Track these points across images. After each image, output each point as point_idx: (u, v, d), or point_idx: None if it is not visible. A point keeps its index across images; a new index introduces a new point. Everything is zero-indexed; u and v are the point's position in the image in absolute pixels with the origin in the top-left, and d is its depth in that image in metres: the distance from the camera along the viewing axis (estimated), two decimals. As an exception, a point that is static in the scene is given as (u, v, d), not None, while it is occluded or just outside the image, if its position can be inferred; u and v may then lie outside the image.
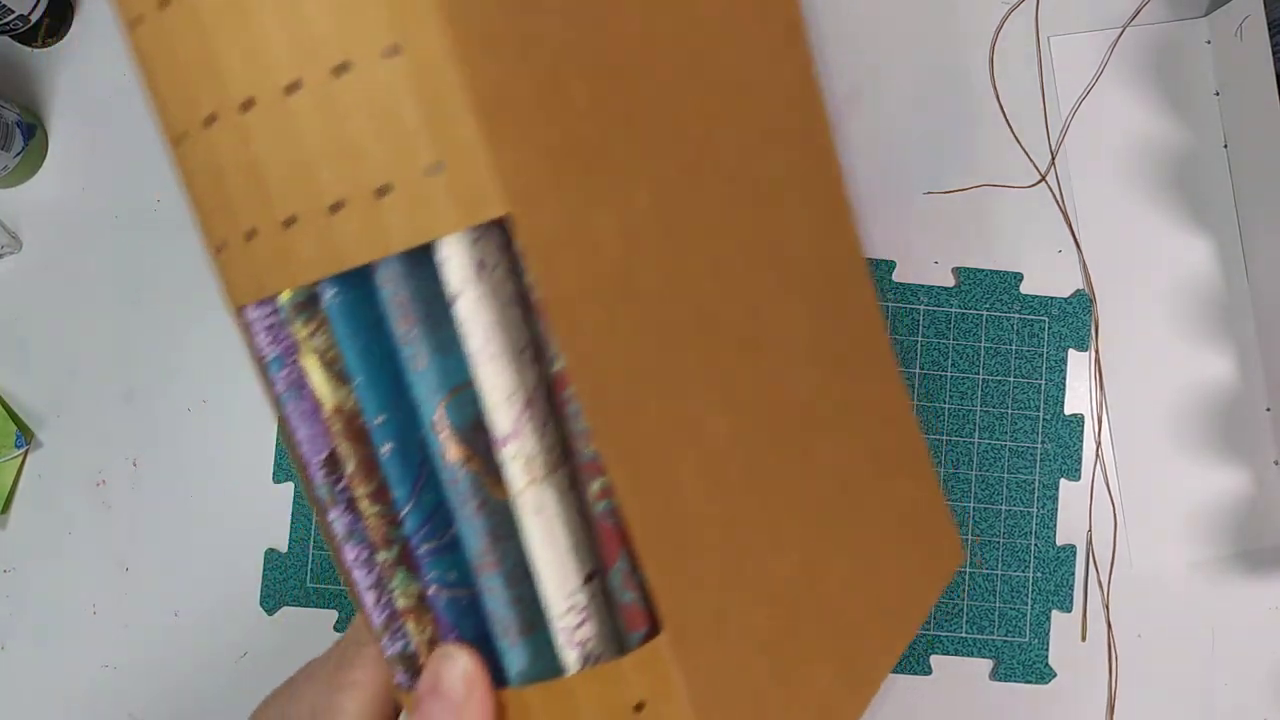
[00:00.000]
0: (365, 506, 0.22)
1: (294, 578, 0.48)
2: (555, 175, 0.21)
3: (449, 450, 0.21)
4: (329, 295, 0.21)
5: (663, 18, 0.27)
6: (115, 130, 0.49)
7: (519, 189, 0.20)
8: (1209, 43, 0.51)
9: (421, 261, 0.20)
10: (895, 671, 0.48)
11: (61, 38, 0.50)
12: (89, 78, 0.50)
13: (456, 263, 0.20)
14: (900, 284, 0.49)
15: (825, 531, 0.30)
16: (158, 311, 0.48)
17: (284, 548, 0.48)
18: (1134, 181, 0.51)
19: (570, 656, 0.22)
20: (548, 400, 0.21)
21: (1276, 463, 0.49)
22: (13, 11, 0.46)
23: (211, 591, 0.48)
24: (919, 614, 0.35)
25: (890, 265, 0.49)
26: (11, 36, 0.48)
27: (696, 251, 0.27)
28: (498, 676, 0.22)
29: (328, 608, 0.48)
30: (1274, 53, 0.46)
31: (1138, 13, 0.51)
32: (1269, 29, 0.46)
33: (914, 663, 0.48)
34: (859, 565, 0.32)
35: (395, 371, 0.21)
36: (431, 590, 0.22)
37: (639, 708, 0.22)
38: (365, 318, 0.21)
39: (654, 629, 0.22)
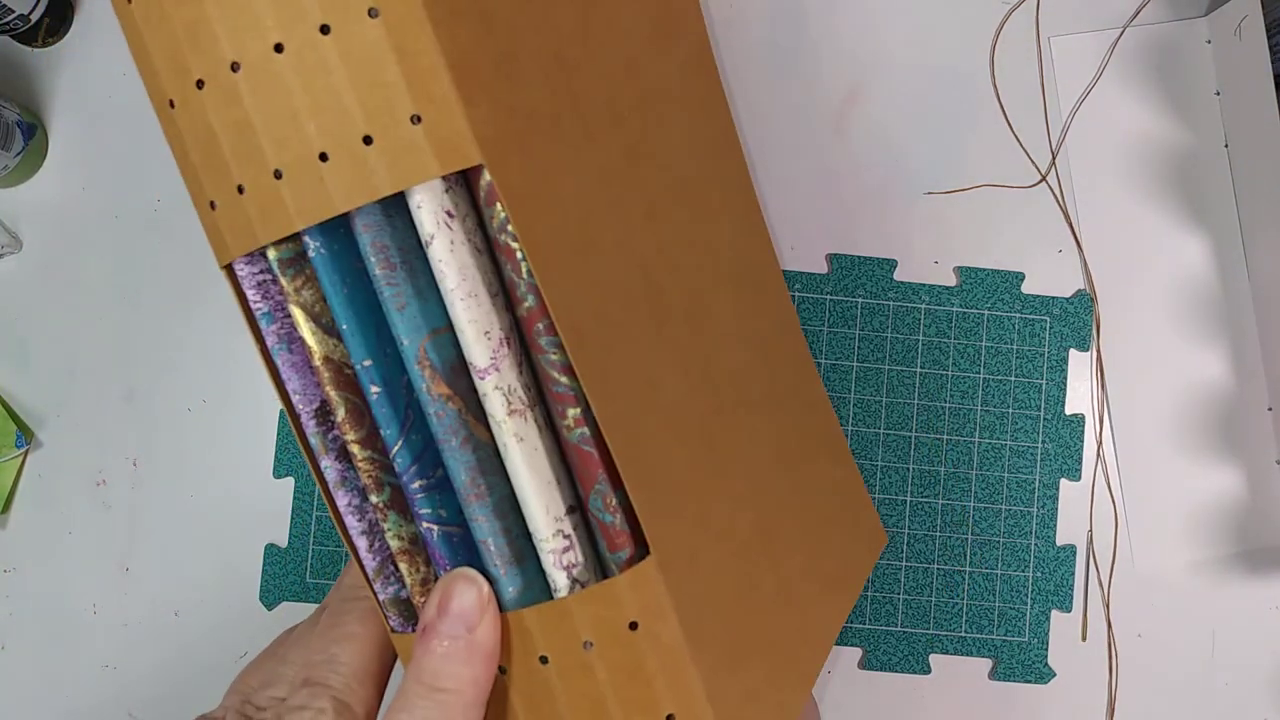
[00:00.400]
0: (356, 451, 0.23)
1: (294, 573, 0.48)
2: (519, 134, 0.23)
3: (433, 386, 0.22)
4: (314, 247, 0.22)
5: (599, 17, 0.29)
6: (115, 130, 0.49)
7: (490, 141, 0.22)
8: (1209, 43, 0.51)
9: (398, 210, 0.22)
10: (894, 670, 0.48)
11: (61, 38, 0.50)
12: (89, 78, 0.50)
13: (429, 209, 0.22)
14: (901, 283, 0.49)
15: (771, 497, 0.31)
16: (158, 311, 0.48)
17: (284, 543, 0.48)
18: (1135, 181, 0.51)
19: (560, 580, 0.23)
20: (521, 343, 0.23)
21: (1277, 462, 0.49)
22: (13, 11, 0.46)
23: (211, 591, 0.48)
24: (855, 588, 0.36)
25: (892, 264, 0.49)
26: (11, 36, 0.48)
27: (642, 229, 0.28)
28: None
29: (328, 607, 0.48)
30: (1272, 53, 0.46)
31: (1138, 13, 0.51)
32: (1267, 29, 0.46)
33: (914, 662, 0.48)
34: (803, 533, 0.33)
35: (379, 317, 0.23)
36: (424, 527, 0.23)
37: (633, 626, 0.23)
38: (348, 267, 0.22)
39: (636, 553, 0.23)
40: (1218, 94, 0.51)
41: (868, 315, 0.49)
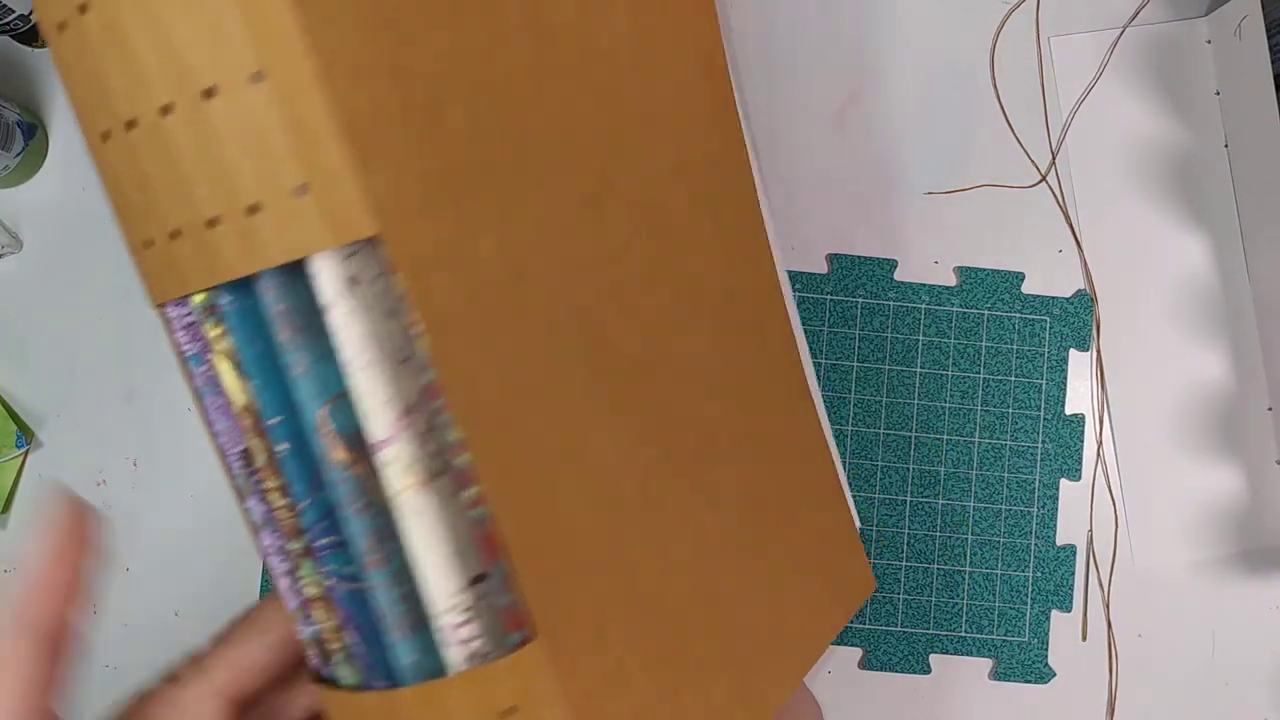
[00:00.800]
0: (275, 499, 0.23)
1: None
2: (429, 197, 0.23)
3: (333, 451, 0.22)
4: (225, 301, 0.22)
5: (560, 51, 0.28)
6: (115, 130, 0.49)
7: (388, 209, 0.21)
8: (1209, 42, 0.51)
9: (298, 274, 0.21)
10: (894, 670, 0.48)
11: (61, 37, 0.49)
12: (89, 77, 0.50)
13: (327, 277, 0.21)
14: (901, 283, 0.49)
15: (725, 555, 0.31)
16: (158, 311, 0.48)
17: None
18: (1135, 181, 0.51)
19: (454, 655, 0.22)
20: (432, 409, 0.22)
21: (1278, 462, 0.49)
22: (13, 11, 0.46)
23: (211, 591, 0.48)
24: (822, 640, 0.35)
25: (892, 264, 0.49)
26: (11, 36, 0.48)
27: (591, 276, 0.27)
28: (389, 670, 0.23)
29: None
30: (1272, 52, 0.46)
31: (1138, 13, 0.51)
32: (1266, 29, 0.46)
33: (914, 662, 0.48)
34: (760, 590, 0.32)
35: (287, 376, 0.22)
36: (330, 582, 0.23)
37: (509, 712, 0.22)
38: (258, 324, 0.22)
39: (531, 635, 0.22)
40: (1218, 94, 0.51)
41: (868, 315, 0.49)
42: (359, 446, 0.22)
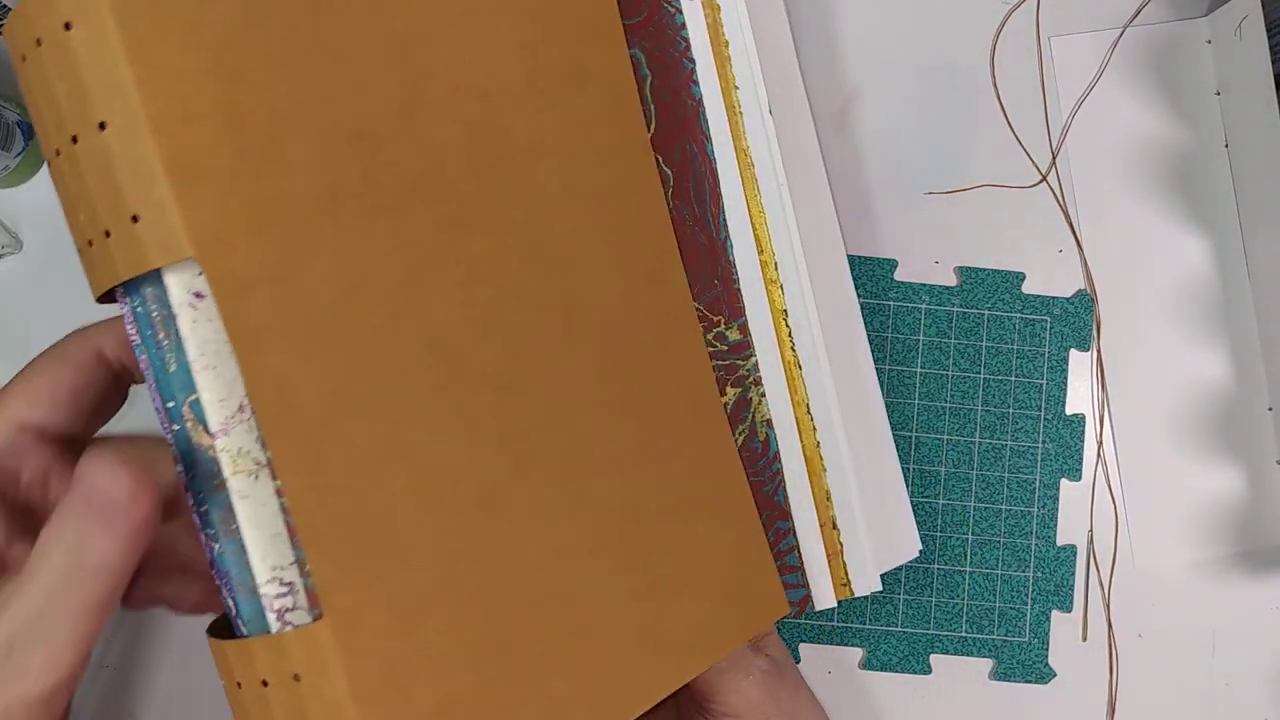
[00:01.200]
0: (177, 470, 0.28)
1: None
2: (258, 224, 0.27)
3: (196, 436, 0.27)
4: (130, 303, 0.27)
5: (430, 91, 0.31)
6: (115, 130, 0.49)
7: (207, 236, 0.26)
8: (1210, 42, 0.51)
9: (162, 286, 0.26)
10: (894, 670, 0.48)
11: (61, 37, 0.49)
12: (89, 77, 0.50)
13: (174, 290, 0.26)
14: (901, 283, 0.49)
15: (590, 562, 0.33)
16: (158, 311, 0.48)
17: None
18: (1135, 181, 0.51)
19: (273, 621, 0.27)
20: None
21: (1278, 462, 0.49)
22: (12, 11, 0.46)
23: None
24: (705, 657, 0.36)
25: (892, 264, 0.49)
26: (11, 36, 0.48)
27: (446, 296, 0.30)
28: (234, 623, 0.28)
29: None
30: (1272, 53, 0.46)
31: (1138, 13, 0.51)
32: (1267, 29, 0.46)
33: (914, 662, 0.48)
34: (631, 599, 0.34)
35: None
36: (204, 543, 0.28)
37: (297, 678, 0.27)
38: (148, 324, 0.27)
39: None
40: (1218, 94, 0.51)
41: (868, 315, 0.49)
42: (210, 434, 0.27)
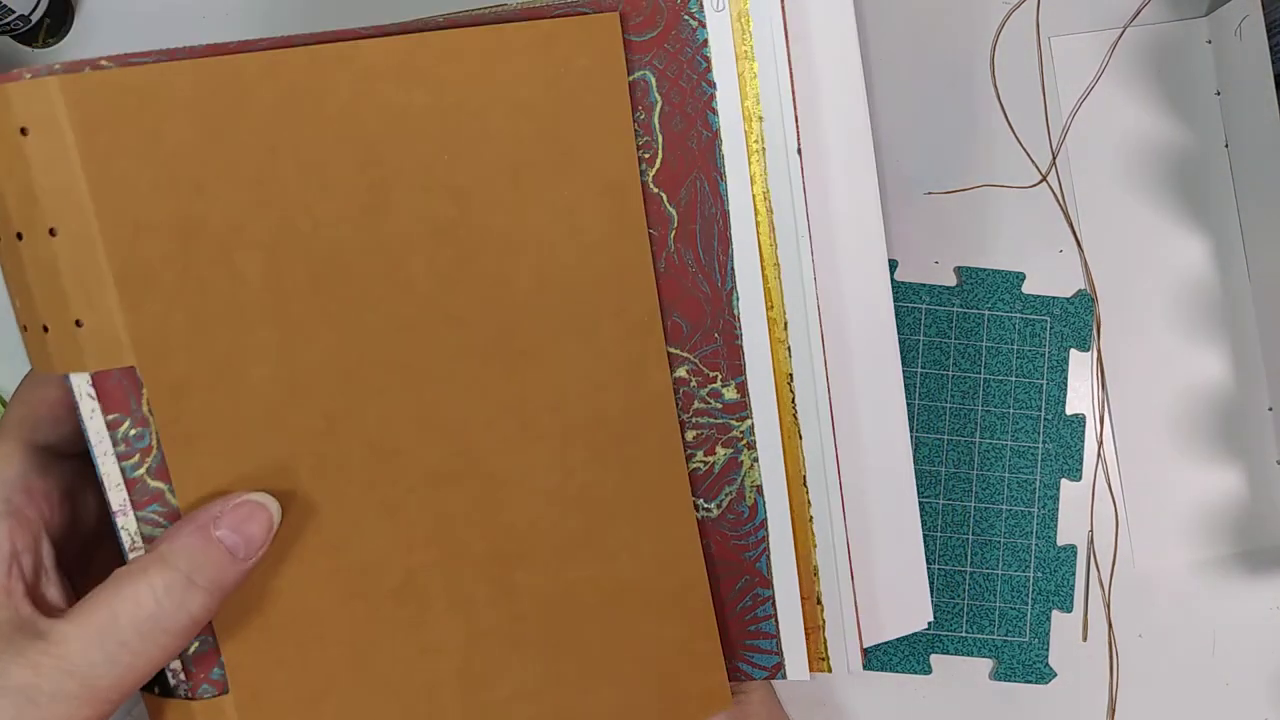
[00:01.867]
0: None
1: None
2: (201, 332, 0.28)
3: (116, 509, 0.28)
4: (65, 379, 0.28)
5: (403, 189, 0.31)
6: (115, 130, 0.49)
7: (152, 345, 0.27)
8: (1209, 43, 0.51)
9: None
10: (895, 670, 0.48)
11: (62, 38, 0.49)
12: (89, 77, 0.50)
13: (78, 389, 0.27)
14: (902, 283, 0.49)
15: (516, 651, 0.34)
16: (158, 311, 0.48)
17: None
18: (1135, 181, 0.51)
19: (183, 690, 0.30)
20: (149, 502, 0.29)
21: (1278, 462, 0.49)
22: (13, 11, 0.46)
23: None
24: None
25: (892, 265, 0.49)
26: (12, 36, 0.48)
27: (393, 399, 0.31)
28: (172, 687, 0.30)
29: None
30: (1272, 53, 0.46)
31: (1138, 13, 0.51)
32: (1267, 29, 0.46)
33: (914, 662, 0.48)
34: (546, 684, 0.35)
35: None
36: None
37: None
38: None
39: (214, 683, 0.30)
40: (1218, 94, 0.51)
41: (868, 315, 0.49)
42: (112, 511, 0.28)
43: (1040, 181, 0.51)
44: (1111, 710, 0.49)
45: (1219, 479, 0.50)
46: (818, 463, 0.38)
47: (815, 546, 0.38)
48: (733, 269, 0.36)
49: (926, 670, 0.48)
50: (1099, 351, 0.50)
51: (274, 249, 0.29)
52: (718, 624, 0.37)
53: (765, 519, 0.38)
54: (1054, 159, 0.51)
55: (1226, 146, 0.50)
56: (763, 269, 0.36)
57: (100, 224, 0.26)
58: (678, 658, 0.37)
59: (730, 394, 0.37)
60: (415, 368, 0.32)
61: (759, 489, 0.38)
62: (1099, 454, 0.49)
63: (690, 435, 0.37)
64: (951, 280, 0.50)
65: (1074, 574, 0.49)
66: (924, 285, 0.49)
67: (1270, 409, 0.50)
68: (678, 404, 0.37)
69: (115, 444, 0.28)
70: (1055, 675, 0.49)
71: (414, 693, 0.32)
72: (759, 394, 0.37)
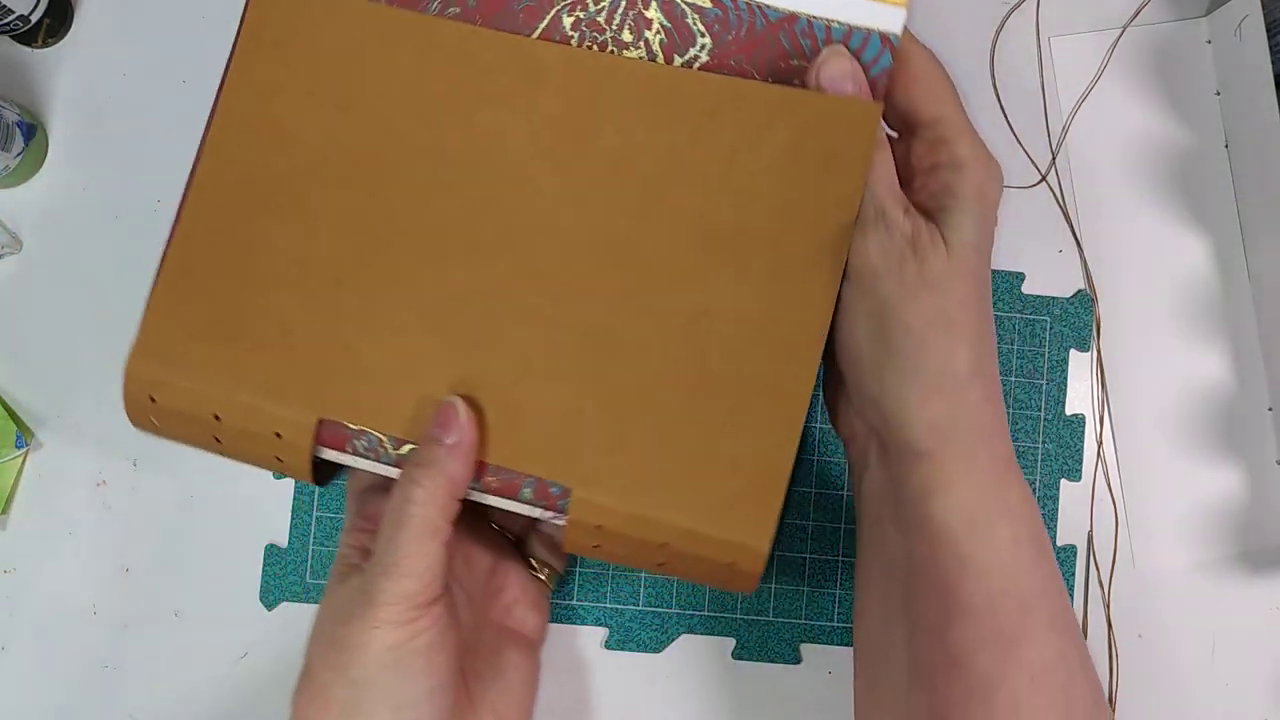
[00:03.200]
0: None
1: (294, 573, 0.48)
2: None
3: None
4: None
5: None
6: (115, 130, 0.50)
7: None
8: (1209, 43, 0.51)
9: None
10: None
11: (61, 38, 0.50)
12: (89, 78, 0.50)
13: None
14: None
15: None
16: (158, 311, 0.48)
17: (284, 543, 0.48)
18: (1135, 181, 0.51)
19: None
20: None
21: (1278, 462, 0.49)
22: (13, 12, 0.46)
23: (211, 591, 0.48)
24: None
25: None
26: (11, 36, 0.48)
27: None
28: None
29: (328, 606, 0.48)
30: (1272, 53, 0.46)
31: (1138, 13, 0.51)
32: (1267, 29, 0.46)
33: (915, 663, 0.48)
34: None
35: None
36: None
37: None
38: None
39: None
40: (1218, 94, 0.51)
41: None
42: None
43: (1040, 181, 0.51)
44: (1112, 710, 0.49)
45: (1219, 480, 0.50)
46: None
47: None
48: None
49: (926, 670, 0.48)
50: (1099, 351, 0.50)
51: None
52: None
53: None
54: (1053, 159, 0.51)
55: (1226, 147, 0.50)
56: None
57: None
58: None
59: None
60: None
61: None
62: (1099, 454, 0.49)
63: None
64: (951, 280, 0.50)
65: (1074, 574, 0.49)
66: (924, 285, 0.49)
67: (1270, 409, 0.50)
68: None
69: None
70: (1055, 675, 0.48)
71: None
72: None
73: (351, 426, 0.37)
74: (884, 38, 0.38)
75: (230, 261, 0.39)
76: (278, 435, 0.38)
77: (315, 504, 0.48)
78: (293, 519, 0.48)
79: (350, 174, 0.39)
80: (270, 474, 0.48)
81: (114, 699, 0.48)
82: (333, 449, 0.38)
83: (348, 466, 0.39)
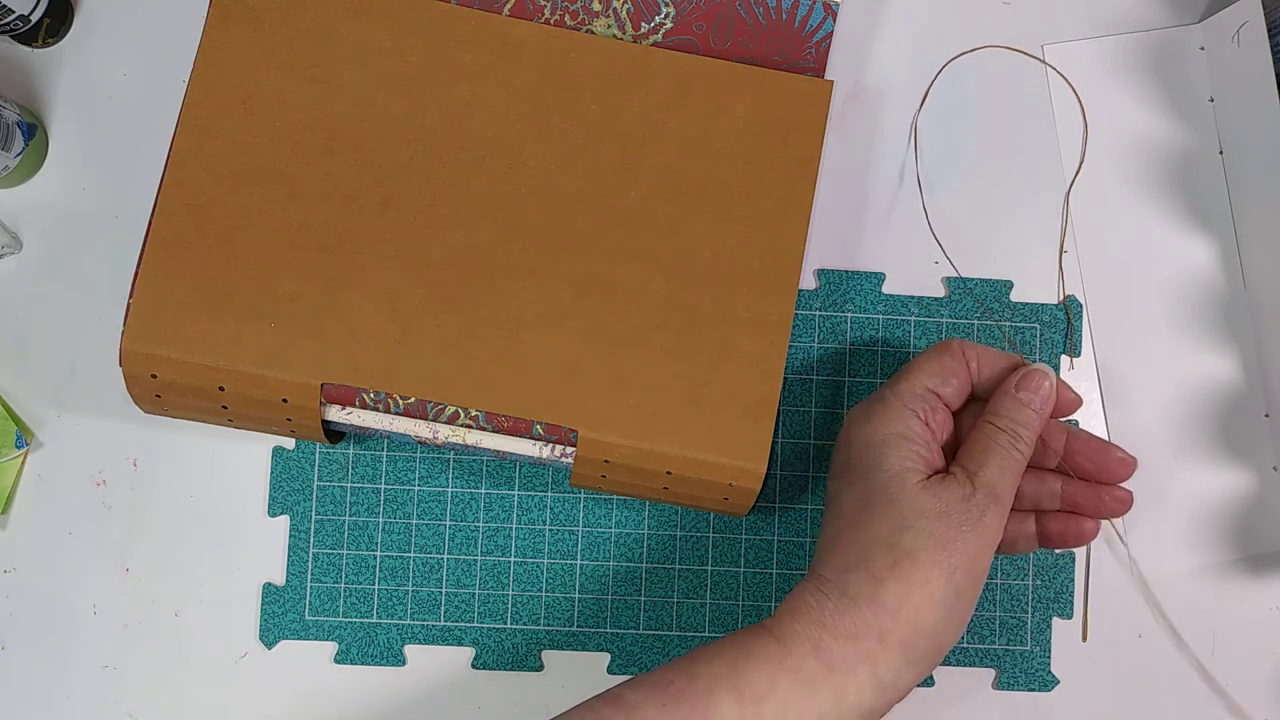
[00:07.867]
0: None
1: (292, 610, 0.47)
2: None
3: None
4: None
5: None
6: (115, 130, 0.49)
7: None
8: (1203, 49, 0.51)
9: None
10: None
11: (61, 38, 0.50)
12: (89, 78, 0.50)
13: None
14: (890, 296, 0.49)
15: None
16: (158, 312, 0.48)
17: (281, 581, 0.48)
18: (1129, 187, 0.51)
19: None
20: None
21: (1276, 468, 0.49)
22: (13, 11, 0.46)
23: (211, 592, 0.48)
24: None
25: (880, 278, 0.49)
26: (11, 36, 0.48)
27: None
28: None
29: (327, 640, 0.47)
30: (1275, 55, 0.46)
31: (1133, 19, 0.51)
32: (1269, 32, 0.46)
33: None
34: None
35: None
36: None
37: None
38: None
39: None
40: (1211, 100, 0.51)
41: (858, 329, 0.49)
42: None
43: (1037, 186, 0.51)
44: (1112, 712, 0.49)
45: (1217, 485, 0.50)
46: None
47: None
48: None
49: (929, 682, 0.48)
50: (1094, 358, 0.50)
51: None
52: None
53: None
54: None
55: (1221, 153, 0.50)
56: None
57: None
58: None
59: None
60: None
61: None
62: (1096, 458, 0.49)
63: None
64: (940, 291, 0.50)
65: (1073, 580, 0.49)
66: (912, 297, 0.49)
67: (1267, 415, 0.50)
68: None
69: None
70: (1058, 682, 0.48)
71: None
72: None
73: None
74: (826, 6, 0.45)
75: (215, 234, 0.40)
76: (285, 400, 0.39)
77: (311, 540, 0.48)
78: (289, 556, 0.48)
79: (331, 144, 0.40)
80: (264, 512, 0.48)
81: (114, 699, 0.48)
82: (342, 405, 0.40)
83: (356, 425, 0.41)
